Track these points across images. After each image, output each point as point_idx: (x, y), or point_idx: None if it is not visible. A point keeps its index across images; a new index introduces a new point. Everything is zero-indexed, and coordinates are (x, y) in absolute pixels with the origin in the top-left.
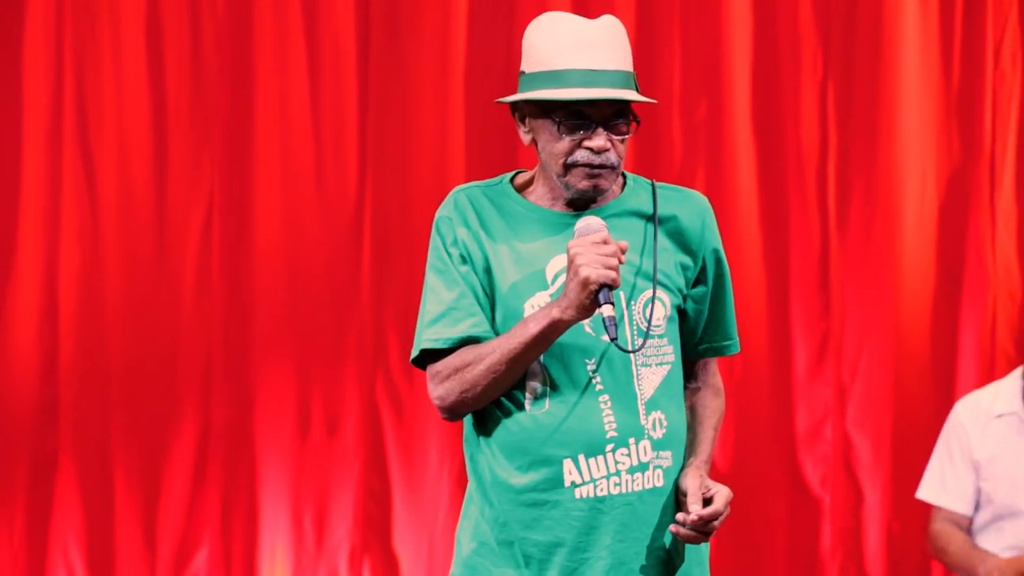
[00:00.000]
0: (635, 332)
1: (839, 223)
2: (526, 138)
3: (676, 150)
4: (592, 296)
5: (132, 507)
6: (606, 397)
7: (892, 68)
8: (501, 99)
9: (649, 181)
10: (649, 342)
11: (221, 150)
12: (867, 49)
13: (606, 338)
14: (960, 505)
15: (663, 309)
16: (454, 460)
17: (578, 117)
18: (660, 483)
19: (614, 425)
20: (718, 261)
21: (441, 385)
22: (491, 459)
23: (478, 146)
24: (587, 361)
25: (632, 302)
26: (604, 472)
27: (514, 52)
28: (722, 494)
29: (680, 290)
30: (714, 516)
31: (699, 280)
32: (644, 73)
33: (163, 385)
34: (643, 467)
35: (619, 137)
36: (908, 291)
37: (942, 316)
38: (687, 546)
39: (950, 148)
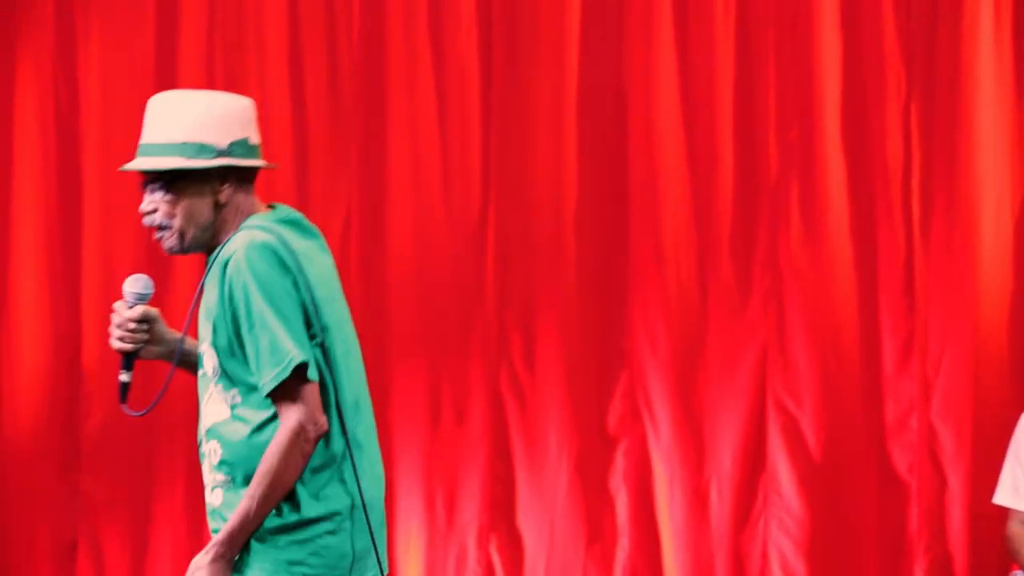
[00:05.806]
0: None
1: (922, 232)
2: None
3: (772, 168)
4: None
5: None
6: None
7: (970, 91)
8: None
9: (230, 238)
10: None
11: (357, 167)
12: (947, 74)
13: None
14: None
15: (212, 360)
16: (572, 446)
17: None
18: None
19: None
20: (232, 303)
21: None
22: None
23: (589, 159)
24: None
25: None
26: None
27: (622, 77)
28: None
29: (224, 340)
30: None
31: (230, 326)
32: (743, 98)
33: None
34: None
35: (161, 197)
36: (986, 295)
37: (1018, 318)
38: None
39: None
